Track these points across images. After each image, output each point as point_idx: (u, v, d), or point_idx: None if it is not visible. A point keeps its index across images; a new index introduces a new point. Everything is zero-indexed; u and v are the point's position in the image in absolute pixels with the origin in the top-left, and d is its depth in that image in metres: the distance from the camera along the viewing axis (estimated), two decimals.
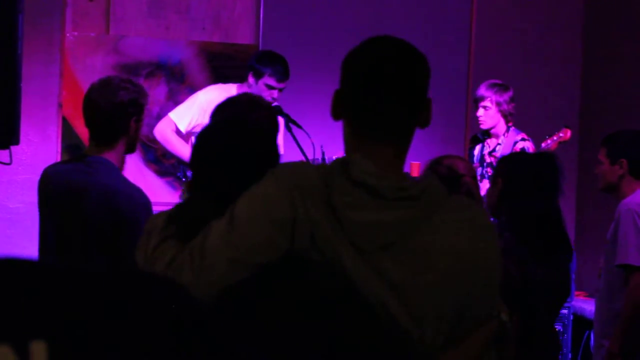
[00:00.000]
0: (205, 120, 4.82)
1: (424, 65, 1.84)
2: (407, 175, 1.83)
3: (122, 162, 3.13)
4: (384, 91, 1.79)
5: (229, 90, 4.90)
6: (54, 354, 0.69)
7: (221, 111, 2.50)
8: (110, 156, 3.04)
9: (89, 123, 3.08)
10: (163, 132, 4.90)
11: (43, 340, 0.69)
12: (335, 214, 1.71)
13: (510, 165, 3.39)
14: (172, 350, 0.74)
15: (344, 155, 1.85)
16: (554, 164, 3.33)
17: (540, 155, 3.90)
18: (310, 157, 4.84)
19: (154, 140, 5.71)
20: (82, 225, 2.97)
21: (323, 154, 5.07)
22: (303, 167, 1.83)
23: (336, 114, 1.86)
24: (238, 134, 2.05)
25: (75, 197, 3.00)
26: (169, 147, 4.92)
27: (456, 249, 1.75)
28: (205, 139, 2.06)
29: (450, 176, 2.79)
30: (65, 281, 0.75)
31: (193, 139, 4.87)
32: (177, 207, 1.98)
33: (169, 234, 1.87)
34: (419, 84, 1.82)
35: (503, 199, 3.25)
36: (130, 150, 3.12)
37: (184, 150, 4.84)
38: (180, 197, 4.92)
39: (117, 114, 3.01)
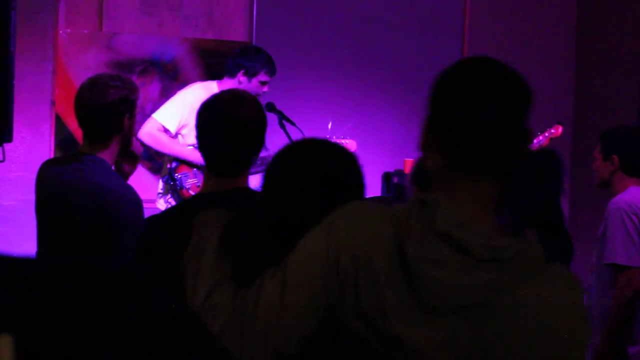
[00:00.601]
0: (192, 118, 4.78)
1: (528, 90, 1.62)
2: (498, 224, 1.60)
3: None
4: (487, 121, 1.56)
5: (211, 87, 4.89)
6: (20, 347, 0.68)
7: (209, 109, 2.47)
8: (104, 155, 3.04)
9: (81, 123, 3.07)
10: (150, 133, 4.77)
11: (9, 334, 0.69)
12: (404, 267, 1.51)
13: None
14: (138, 344, 0.74)
15: (432, 189, 1.62)
16: (557, 161, 3.33)
17: (543, 153, 3.90)
18: None
19: None
20: (74, 224, 2.98)
21: None
22: (366, 212, 1.59)
23: (425, 146, 1.62)
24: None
25: (68, 197, 3.01)
26: (161, 147, 4.78)
27: (540, 331, 1.51)
28: (280, 162, 1.94)
29: None
30: (31, 275, 0.75)
31: (180, 138, 4.84)
32: (229, 233, 1.80)
33: (222, 276, 1.70)
34: (523, 111, 1.60)
35: (504, 195, 3.24)
36: (126, 146, 3.12)
37: (177, 148, 4.80)
38: (160, 196, 4.89)
39: (108, 114, 3.01)
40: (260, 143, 2.47)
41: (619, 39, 6.06)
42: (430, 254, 1.50)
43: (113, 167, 3.16)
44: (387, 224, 1.55)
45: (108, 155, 3.06)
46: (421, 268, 1.51)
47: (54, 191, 3.08)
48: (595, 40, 6.34)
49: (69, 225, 2.99)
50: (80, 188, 2.98)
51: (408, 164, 6.05)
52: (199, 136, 2.47)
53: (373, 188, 6.16)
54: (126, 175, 3.21)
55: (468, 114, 1.56)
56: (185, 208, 2.55)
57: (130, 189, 3.04)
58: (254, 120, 2.42)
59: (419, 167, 2.91)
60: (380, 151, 6.08)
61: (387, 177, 6.14)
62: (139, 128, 4.78)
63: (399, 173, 6.05)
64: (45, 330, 0.71)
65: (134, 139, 3.21)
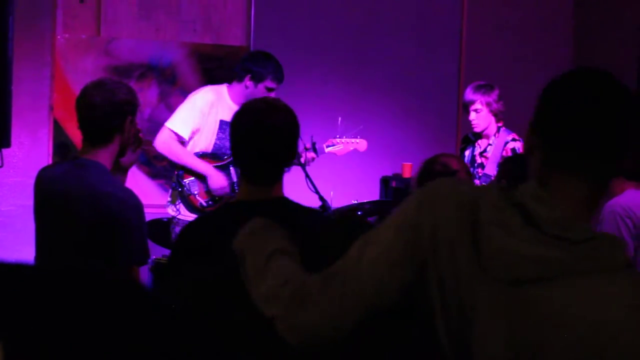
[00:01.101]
0: (204, 122, 4.81)
1: (634, 108, 1.61)
2: (589, 225, 1.56)
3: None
4: (589, 125, 1.57)
5: (220, 90, 4.90)
6: (10, 352, 0.68)
7: (242, 117, 2.48)
8: (104, 157, 3.06)
9: (84, 123, 3.08)
10: (166, 144, 4.78)
11: None
12: (475, 233, 1.54)
13: (513, 166, 3.35)
14: (126, 347, 0.74)
15: None
16: None
17: None
18: (302, 159, 4.84)
19: (145, 141, 5.69)
20: (74, 228, 2.98)
21: (314, 144, 5.07)
22: (450, 184, 1.65)
23: (528, 147, 1.65)
24: None
25: (67, 201, 3.01)
26: (176, 159, 4.79)
27: (603, 327, 1.46)
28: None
29: (444, 172, 2.79)
30: (20, 281, 0.75)
31: (190, 143, 4.84)
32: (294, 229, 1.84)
33: (290, 250, 1.74)
34: (627, 124, 1.59)
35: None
36: (122, 153, 3.14)
37: (191, 160, 4.80)
38: (169, 204, 4.90)
39: (114, 112, 3.04)
40: (293, 150, 2.50)
41: (616, 45, 6.07)
42: (501, 220, 1.52)
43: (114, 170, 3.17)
44: (469, 194, 1.59)
45: (107, 157, 3.07)
46: (489, 233, 1.52)
47: (54, 196, 3.08)
48: (592, 45, 6.35)
49: (70, 230, 2.99)
50: (80, 192, 2.99)
51: (406, 168, 6.05)
52: (232, 144, 2.49)
53: (371, 192, 6.16)
54: (128, 165, 3.22)
55: (572, 117, 1.58)
56: (223, 214, 2.57)
57: (130, 193, 3.05)
58: (286, 127, 2.46)
59: (424, 170, 2.89)
60: (378, 155, 6.08)
61: (385, 181, 6.14)
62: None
63: (397, 177, 6.05)
64: (33, 336, 0.71)
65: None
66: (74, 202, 3.00)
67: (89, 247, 2.95)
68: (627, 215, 3.77)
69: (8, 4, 3.59)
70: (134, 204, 3.01)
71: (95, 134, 3.07)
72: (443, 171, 2.81)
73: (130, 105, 3.08)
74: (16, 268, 0.79)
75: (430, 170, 2.86)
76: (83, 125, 3.10)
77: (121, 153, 3.14)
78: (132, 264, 2.97)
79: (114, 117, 3.05)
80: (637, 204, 3.80)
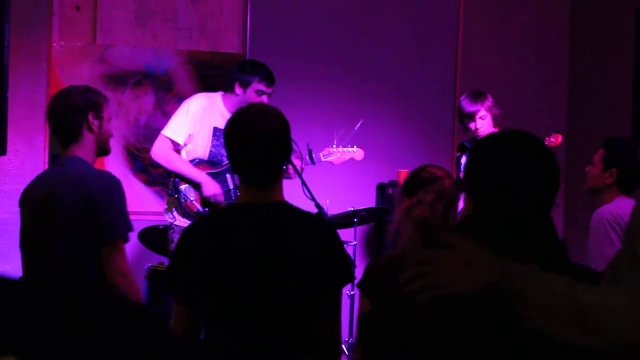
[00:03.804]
0: (197, 128, 4.82)
1: None
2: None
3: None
4: None
5: (214, 98, 4.91)
6: None
7: (234, 123, 2.57)
8: (79, 152, 3.21)
9: (52, 130, 3.27)
10: (161, 152, 4.82)
11: (12, 356, 0.69)
12: None
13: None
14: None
15: None
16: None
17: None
18: (297, 165, 4.84)
19: (142, 149, 5.69)
20: (57, 215, 3.12)
21: (310, 152, 5.07)
22: None
23: None
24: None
25: (50, 189, 3.16)
26: (171, 166, 4.83)
27: None
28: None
29: (430, 179, 2.96)
30: (33, 299, 0.75)
31: (183, 153, 4.85)
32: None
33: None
34: None
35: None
36: (102, 150, 3.30)
37: (185, 168, 4.82)
38: (165, 212, 4.90)
39: (71, 112, 3.20)
40: (286, 152, 2.57)
41: (612, 51, 6.08)
42: None
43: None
44: None
45: (82, 152, 3.22)
46: None
47: (38, 191, 3.22)
48: (589, 46, 6.37)
49: (52, 215, 3.13)
50: (62, 181, 3.14)
51: (402, 175, 6.05)
52: (227, 150, 2.58)
53: (367, 199, 6.17)
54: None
55: None
56: (224, 215, 2.66)
57: (107, 173, 3.21)
58: (277, 130, 2.53)
59: (410, 179, 3.03)
60: (374, 162, 6.08)
61: (381, 188, 6.14)
62: (136, 140, 4.76)
63: (393, 184, 6.05)
64: (45, 352, 0.71)
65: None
66: (57, 190, 3.14)
67: (71, 227, 3.09)
68: (616, 222, 3.77)
69: (4, 11, 3.60)
70: (113, 182, 3.15)
71: (62, 135, 3.24)
72: (429, 177, 2.97)
73: (88, 101, 3.22)
74: (29, 287, 0.80)
75: (416, 178, 3.02)
76: (53, 131, 3.29)
77: (102, 151, 3.30)
78: (109, 242, 3.10)
79: (73, 116, 3.20)
80: (625, 211, 3.80)
